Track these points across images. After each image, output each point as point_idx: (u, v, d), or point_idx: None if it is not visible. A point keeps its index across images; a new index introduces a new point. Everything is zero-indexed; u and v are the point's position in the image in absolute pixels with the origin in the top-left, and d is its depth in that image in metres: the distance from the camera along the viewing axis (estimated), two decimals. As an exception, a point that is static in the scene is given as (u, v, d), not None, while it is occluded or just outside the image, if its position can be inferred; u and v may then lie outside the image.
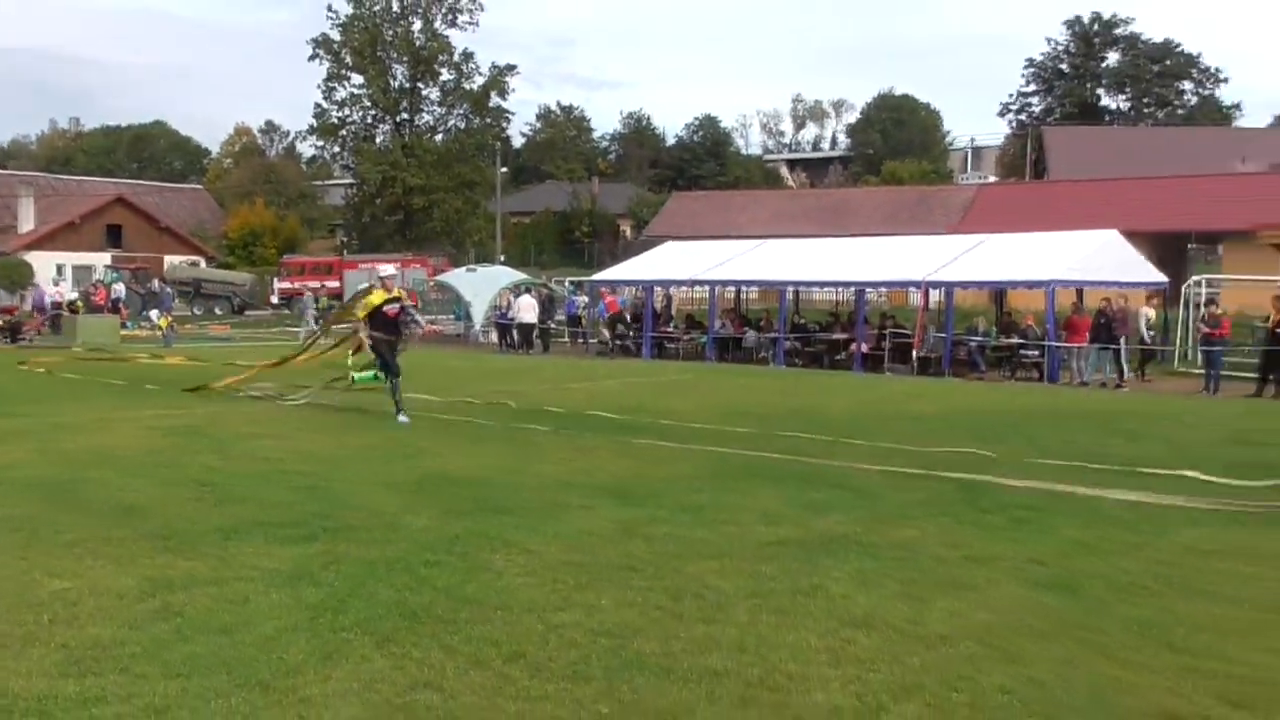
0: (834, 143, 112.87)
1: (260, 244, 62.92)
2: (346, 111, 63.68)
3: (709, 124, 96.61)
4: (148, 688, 4.55)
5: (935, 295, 26.23)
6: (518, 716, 4.30)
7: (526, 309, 31.11)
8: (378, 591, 5.96)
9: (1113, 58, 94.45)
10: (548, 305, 33.03)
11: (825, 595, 6.03)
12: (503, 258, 56.00)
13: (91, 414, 13.75)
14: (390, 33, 62.28)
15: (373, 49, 61.75)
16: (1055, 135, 72.60)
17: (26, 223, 55.12)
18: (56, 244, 53.86)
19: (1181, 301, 26.06)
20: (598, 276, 33.88)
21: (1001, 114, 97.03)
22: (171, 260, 55.72)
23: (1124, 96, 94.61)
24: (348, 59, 62.06)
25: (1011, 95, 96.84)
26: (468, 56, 63.21)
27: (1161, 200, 42.83)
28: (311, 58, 61.97)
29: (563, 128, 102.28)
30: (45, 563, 6.44)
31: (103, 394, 16.59)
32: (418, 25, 62.69)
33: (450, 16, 62.66)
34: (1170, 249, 38.42)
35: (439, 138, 64.55)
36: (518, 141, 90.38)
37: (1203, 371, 21.90)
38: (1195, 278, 28.16)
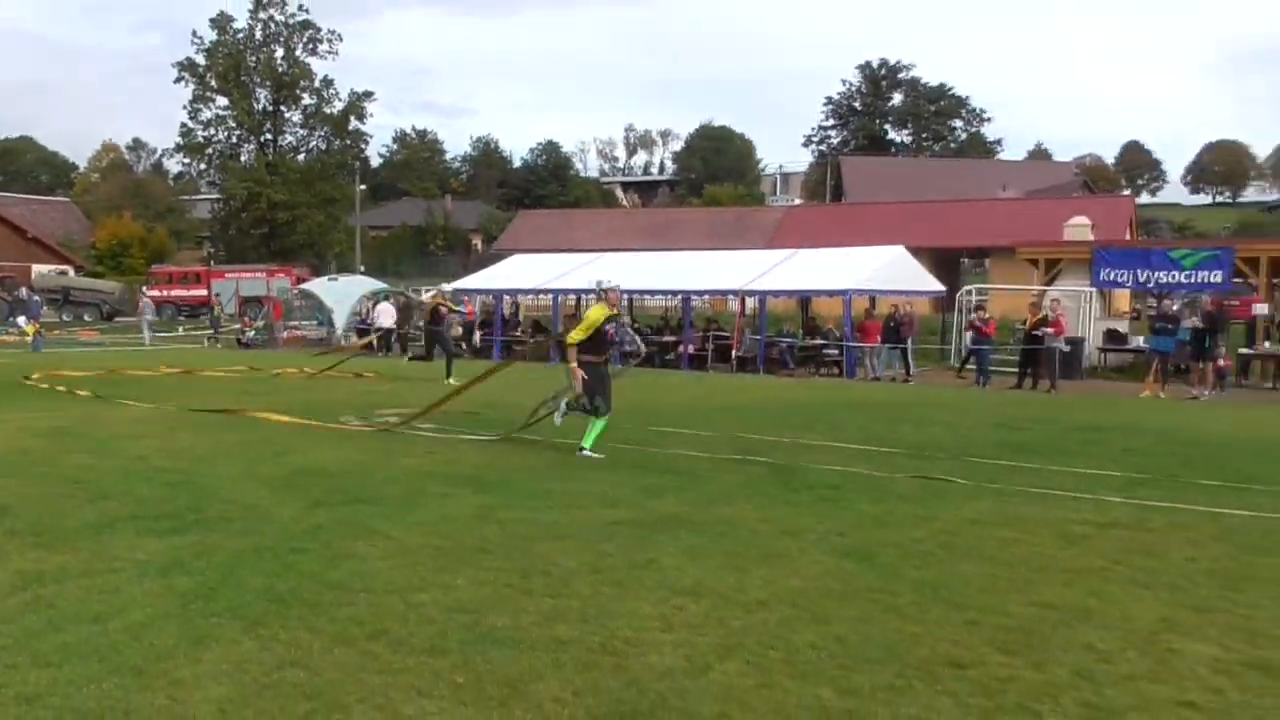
0: (662, 168, 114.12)
1: (129, 254, 59.72)
2: (212, 131, 60.87)
3: (551, 149, 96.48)
4: (18, 677, 4.26)
5: (751, 302, 26.74)
6: (380, 689, 4.19)
7: (385, 315, 30.69)
8: (247, 579, 5.71)
9: (897, 98, 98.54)
10: (406, 311, 32.53)
11: (658, 568, 6.06)
12: (362, 268, 54.68)
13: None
14: (254, 58, 59.83)
15: (236, 73, 59.21)
16: (851, 164, 75.18)
17: (-108, 233, 50.88)
18: (-77, 254, 49.91)
19: (956, 307, 27.27)
20: (452, 285, 33.37)
21: (805, 144, 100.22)
22: (40, 269, 52.27)
23: (907, 131, 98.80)
24: (212, 82, 59.35)
25: (814, 128, 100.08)
26: (328, 83, 61.32)
27: (939, 221, 44.57)
28: (177, 80, 59.13)
29: (417, 150, 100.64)
30: (-87, 562, 5.94)
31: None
32: (280, 52, 60.45)
33: (311, 45, 60.61)
34: (946, 262, 40.17)
35: (301, 157, 62.33)
36: (376, 161, 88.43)
37: (974, 367, 22.87)
38: (967, 287, 29.53)
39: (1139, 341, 24.58)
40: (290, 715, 3.95)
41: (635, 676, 4.35)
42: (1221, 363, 20.66)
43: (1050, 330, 20.78)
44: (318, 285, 36.64)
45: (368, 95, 62.14)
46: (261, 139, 61.46)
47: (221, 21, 59.22)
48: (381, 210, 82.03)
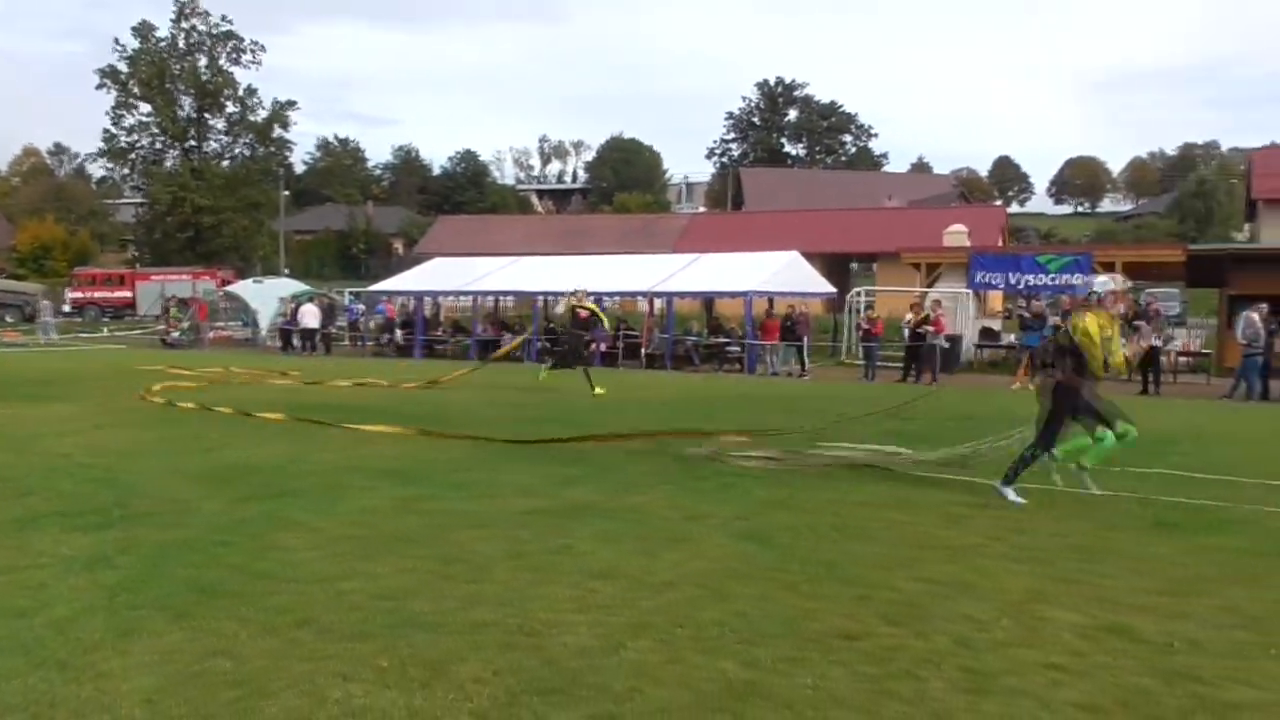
0: (575, 176, 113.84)
1: (51, 257, 57.26)
2: (136, 137, 58.71)
3: (470, 157, 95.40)
4: (-59, 675, 4.04)
5: (659, 303, 26.86)
6: (306, 675, 4.08)
7: (309, 316, 30.16)
8: (173, 571, 5.52)
9: (793, 114, 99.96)
10: (329, 313, 31.91)
11: (573, 553, 6.04)
12: (287, 271, 53.45)
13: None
14: (177, 67, 57.81)
15: (160, 81, 57.17)
16: (750, 175, 76.07)
17: None
18: None
19: (846, 308, 27.78)
20: (374, 288, 32.83)
21: (708, 156, 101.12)
22: (-41, 272, 49.86)
23: (801, 145, 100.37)
24: (135, 89, 57.21)
25: (716, 141, 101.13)
26: (251, 92, 59.58)
27: (831, 228, 45.37)
28: (99, 86, 56.84)
29: (340, 157, 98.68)
30: None
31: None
32: (203, 61, 58.57)
33: (234, 55, 58.84)
34: (838, 266, 40.94)
35: (226, 163, 60.42)
36: (300, 168, 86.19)
37: (863, 362, 23.36)
38: (856, 289, 30.14)
39: (1010, 338, 25.40)
40: (217, 703, 3.82)
41: (552, 656, 4.33)
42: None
43: (931, 329, 21.37)
44: (242, 287, 35.80)
45: (291, 104, 60.67)
46: (186, 145, 59.47)
47: (144, 30, 57.22)
48: (305, 215, 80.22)
